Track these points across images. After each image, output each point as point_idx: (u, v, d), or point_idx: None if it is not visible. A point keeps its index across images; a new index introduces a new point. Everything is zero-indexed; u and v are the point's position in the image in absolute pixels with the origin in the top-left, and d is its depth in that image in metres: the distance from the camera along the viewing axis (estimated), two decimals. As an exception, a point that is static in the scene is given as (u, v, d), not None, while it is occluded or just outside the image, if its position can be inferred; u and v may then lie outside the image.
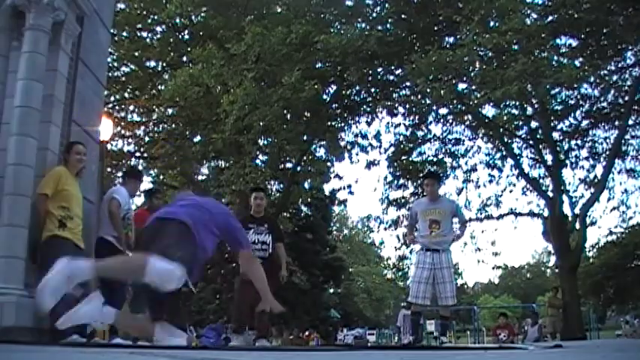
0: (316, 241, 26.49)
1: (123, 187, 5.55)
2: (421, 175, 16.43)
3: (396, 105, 15.97)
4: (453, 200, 7.82)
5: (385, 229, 16.99)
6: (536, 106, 15.36)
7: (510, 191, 16.73)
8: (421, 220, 5.87)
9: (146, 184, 17.48)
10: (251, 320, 5.89)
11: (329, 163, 17.20)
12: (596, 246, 22.28)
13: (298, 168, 16.90)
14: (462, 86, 14.74)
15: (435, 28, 15.01)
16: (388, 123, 16.35)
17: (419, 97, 14.59)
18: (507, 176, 16.64)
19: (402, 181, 16.37)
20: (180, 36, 16.76)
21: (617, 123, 15.29)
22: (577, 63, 13.64)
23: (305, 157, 16.75)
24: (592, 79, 14.16)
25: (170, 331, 3.28)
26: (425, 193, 6.04)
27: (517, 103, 15.21)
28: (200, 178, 19.43)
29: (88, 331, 4.56)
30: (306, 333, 23.20)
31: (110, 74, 13.56)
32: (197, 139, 17.05)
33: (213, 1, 15.41)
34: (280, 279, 5.93)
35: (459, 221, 6.05)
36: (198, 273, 3.46)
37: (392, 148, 16.35)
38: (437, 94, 12.96)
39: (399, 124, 16.28)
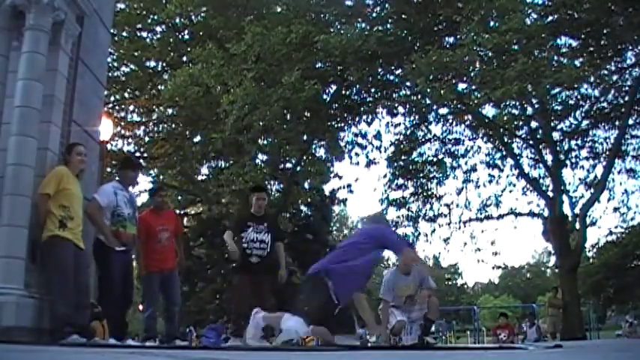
0: (316, 241, 26.42)
1: (109, 184, 5.35)
2: (421, 175, 16.44)
3: (396, 105, 15.95)
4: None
5: (385, 229, 16.93)
6: (536, 106, 15.34)
7: (510, 191, 16.69)
8: (396, 294, 6.09)
9: (146, 184, 17.51)
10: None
11: (329, 163, 17.20)
12: (596, 246, 22.29)
13: (298, 168, 16.89)
14: (462, 86, 14.73)
15: (435, 28, 14.97)
16: (388, 123, 16.33)
17: (419, 97, 14.55)
18: (507, 176, 16.61)
19: (402, 181, 16.35)
20: (180, 36, 16.77)
21: (617, 123, 15.25)
22: (577, 63, 13.63)
23: (305, 157, 16.73)
24: (592, 79, 14.14)
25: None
26: (398, 267, 6.15)
27: (517, 103, 15.19)
28: (200, 178, 19.44)
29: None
30: (306, 333, 23.12)
31: (110, 74, 13.55)
32: (197, 139, 17.05)
33: (213, 1, 15.41)
34: (279, 278, 5.94)
35: (424, 287, 6.08)
36: (348, 293, 4.54)
37: (392, 148, 16.35)
38: (437, 94, 12.93)
39: (399, 124, 16.28)
